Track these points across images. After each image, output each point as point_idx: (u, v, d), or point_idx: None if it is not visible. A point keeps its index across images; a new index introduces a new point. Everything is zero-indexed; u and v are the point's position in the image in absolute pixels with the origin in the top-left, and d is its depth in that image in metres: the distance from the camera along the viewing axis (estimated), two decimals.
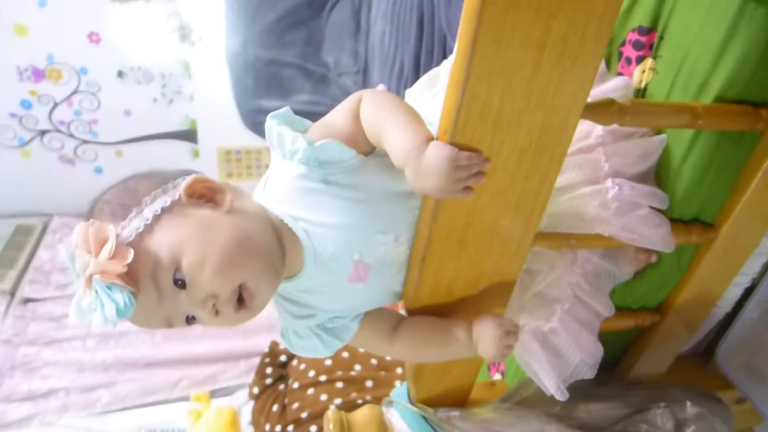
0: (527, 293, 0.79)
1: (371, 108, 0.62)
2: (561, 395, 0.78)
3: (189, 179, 0.61)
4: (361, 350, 1.74)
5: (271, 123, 0.62)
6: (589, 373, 0.80)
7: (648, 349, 0.95)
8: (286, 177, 0.62)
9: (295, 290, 0.67)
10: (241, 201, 0.63)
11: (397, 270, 0.68)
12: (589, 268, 0.78)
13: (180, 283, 0.58)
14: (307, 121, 0.65)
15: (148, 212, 0.59)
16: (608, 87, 0.78)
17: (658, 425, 0.83)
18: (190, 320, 0.61)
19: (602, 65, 0.81)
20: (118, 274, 0.54)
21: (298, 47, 2.31)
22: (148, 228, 0.58)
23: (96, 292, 0.54)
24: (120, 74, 2.67)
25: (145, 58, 2.66)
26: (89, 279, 0.54)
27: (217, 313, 0.59)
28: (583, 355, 0.80)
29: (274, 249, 0.61)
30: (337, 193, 0.62)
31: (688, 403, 0.86)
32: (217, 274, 0.57)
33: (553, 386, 0.79)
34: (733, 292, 0.94)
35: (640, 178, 0.74)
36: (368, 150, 0.64)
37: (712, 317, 0.97)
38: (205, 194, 0.62)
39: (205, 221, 0.59)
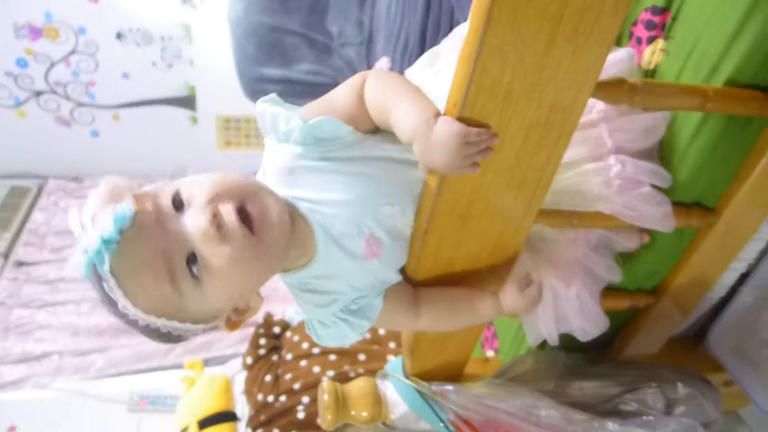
0: (538, 257, 0.79)
1: (376, 87, 0.61)
2: (553, 342, 0.83)
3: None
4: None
5: (262, 106, 0.61)
6: (583, 338, 0.84)
7: (641, 330, 0.96)
8: (283, 160, 0.61)
9: (312, 278, 0.65)
10: None
11: (407, 243, 0.68)
12: (593, 240, 0.79)
13: (178, 203, 0.55)
14: (296, 107, 0.64)
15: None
16: (611, 59, 0.76)
17: (649, 404, 0.84)
18: (191, 261, 0.54)
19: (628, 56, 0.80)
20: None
21: (302, 15, 2.27)
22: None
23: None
24: (119, 35, 2.63)
25: (145, 19, 2.61)
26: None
27: (221, 231, 0.53)
28: (587, 323, 0.83)
29: (282, 201, 0.59)
30: (338, 169, 0.61)
31: (679, 384, 0.87)
32: (215, 185, 0.55)
33: (549, 337, 0.83)
34: (729, 277, 0.94)
35: (643, 155, 0.73)
36: (367, 130, 0.63)
37: (706, 301, 0.98)
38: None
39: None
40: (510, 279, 0.72)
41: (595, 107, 0.73)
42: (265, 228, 0.55)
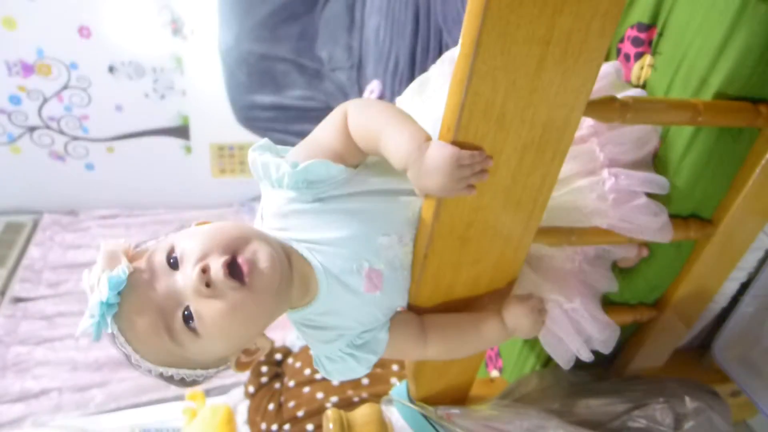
0: (536, 274, 0.79)
1: (360, 117, 0.61)
2: (567, 365, 0.81)
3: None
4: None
5: (252, 155, 0.62)
6: (606, 348, 0.81)
7: (646, 344, 0.95)
8: (278, 204, 0.62)
9: (316, 315, 0.66)
10: None
11: (408, 271, 0.68)
12: (590, 253, 0.79)
13: (173, 262, 0.56)
14: (288, 148, 0.65)
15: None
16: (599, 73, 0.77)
17: (657, 420, 0.83)
18: (187, 316, 0.55)
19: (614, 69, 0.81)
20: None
21: (291, 42, 2.30)
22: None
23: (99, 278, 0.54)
24: (111, 69, 2.65)
25: (137, 52, 2.63)
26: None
27: (210, 287, 0.54)
28: (602, 333, 0.81)
29: (276, 245, 0.60)
30: (331, 208, 0.61)
31: (687, 398, 0.86)
32: (206, 239, 0.56)
33: (576, 351, 0.80)
34: (730, 287, 0.94)
35: (636, 165, 0.73)
36: (356, 163, 0.64)
37: (708, 312, 0.98)
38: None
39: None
40: (510, 298, 0.73)
41: (585, 122, 0.73)
42: (255, 277, 0.56)
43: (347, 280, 0.63)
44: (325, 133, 0.62)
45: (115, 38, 2.59)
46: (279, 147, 0.64)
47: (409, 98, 0.81)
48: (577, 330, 0.81)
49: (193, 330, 0.56)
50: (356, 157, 0.63)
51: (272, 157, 0.61)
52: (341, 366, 0.68)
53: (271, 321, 0.61)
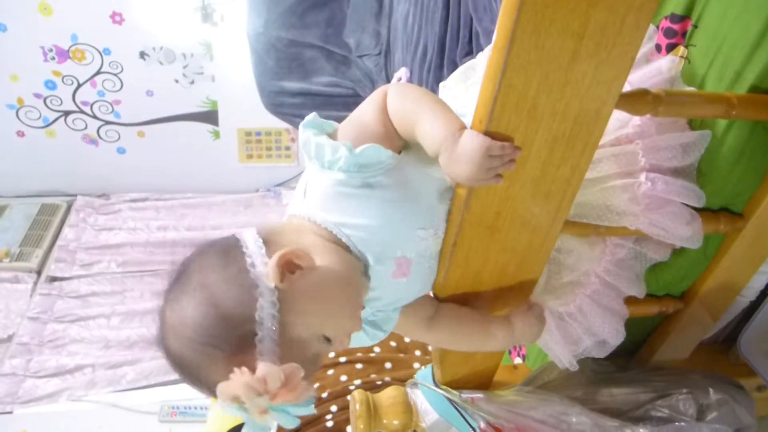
0: (553, 280, 0.80)
1: (399, 101, 0.62)
2: (572, 367, 0.83)
3: (274, 271, 0.56)
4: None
5: (306, 134, 0.61)
6: (600, 353, 0.84)
7: (671, 335, 0.96)
8: (325, 185, 0.62)
9: None
10: (313, 250, 0.61)
11: (436, 260, 0.70)
12: (620, 254, 0.79)
13: (328, 340, 0.60)
14: (333, 123, 0.65)
15: (268, 325, 0.54)
16: (653, 68, 0.76)
17: (680, 410, 0.84)
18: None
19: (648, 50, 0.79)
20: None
21: (319, 28, 2.31)
22: (279, 338, 0.55)
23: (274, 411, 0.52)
24: (142, 55, 2.70)
25: (168, 38, 2.67)
26: (266, 410, 0.52)
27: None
28: (598, 337, 0.83)
29: (357, 264, 0.63)
30: (377, 195, 0.62)
31: (711, 390, 0.86)
32: (350, 317, 0.61)
33: (566, 360, 0.83)
34: (758, 281, 0.94)
35: (678, 173, 0.73)
36: (401, 146, 0.65)
37: (735, 305, 0.98)
38: (289, 268, 0.58)
39: (312, 291, 0.58)
40: (528, 309, 0.75)
41: (631, 122, 0.72)
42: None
43: (378, 266, 0.64)
44: (369, 114, 0.63)
45: (147, 24, 2.63)
46: (324, 121, 0.64)
47: (454, 83, 0.82)
48: (567, 338, 0.82)
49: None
50: (397, 141, 0.63)
51: (328, 140, 0.60)
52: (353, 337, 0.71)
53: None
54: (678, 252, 0.85)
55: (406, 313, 0.72)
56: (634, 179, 0.70)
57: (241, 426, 1.79)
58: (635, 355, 1.03)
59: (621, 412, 0.87)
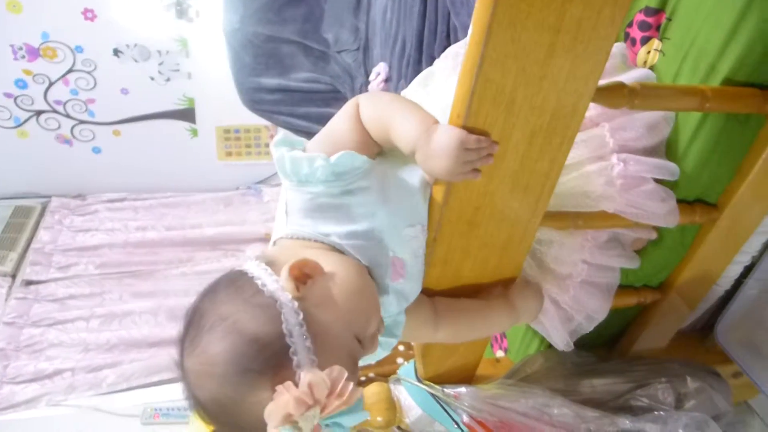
0: (541, 263, 0.81)
1: (371, 108, 0.62)
2: (568, 348, 0.86)
3: (289, 283, 0.55)
4: None
5: (280, 151, 0.60)
6: (589, 327, 0.85)
7: (649, 325, 0.97)
8: (305, 200, 0.61)
9: None
10: (317, 259, 0.60)
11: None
12: (602, 237, 0.80)
13: (358, 341, 0.59)
14: (303, 140, 0.64)
15: (298, 336, 0.53)
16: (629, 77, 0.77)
17: (659, 400, 0.85)
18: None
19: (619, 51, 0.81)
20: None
21: (297, 23, 2.28)
22: (312, 346, 0.53)
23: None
24: (116, 52, 2.64)
25: (142, 35, 2.62)
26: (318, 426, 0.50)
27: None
28: (589, 315, 0.85)
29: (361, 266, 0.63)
30: (359, 200, 0.61)
31: (689, 378, 0.88)
32: (372, 314, 0.61)
33: (563, 341, 0.85)
34: (733, 270, 0.96)
35: (648, 152, 0.74)
36: (374, 154, 0.64)
37: (711, 294, 0.99)
38: (300, 279, 0.57)
39: (329, 294, 0.57)
40: (517, 281, 0.77)
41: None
42: None
43: (376, 269, 0.64)
44: (340, 125, 0.63)
45: (120, 21, 2.58)
46: (295, 139, 0.63)
47: (414, 90, 0.82)
48: (562, 318, 0.83)
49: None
50: (373, 148, 0.63)
51: (302, 154, 0.60)
52: None
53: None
54: (655, 243, 0.86)
55: (410, 315, 0.71)
56: (607, 162, 0.71)
57: None
58: (615, 346, 1.04)
59: (602, 403, 0.88)
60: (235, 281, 0.57)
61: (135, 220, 2.81)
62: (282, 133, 0.70)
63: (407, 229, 0.65)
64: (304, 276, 0.56)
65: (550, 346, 1.01)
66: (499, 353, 1.22)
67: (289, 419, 0.47)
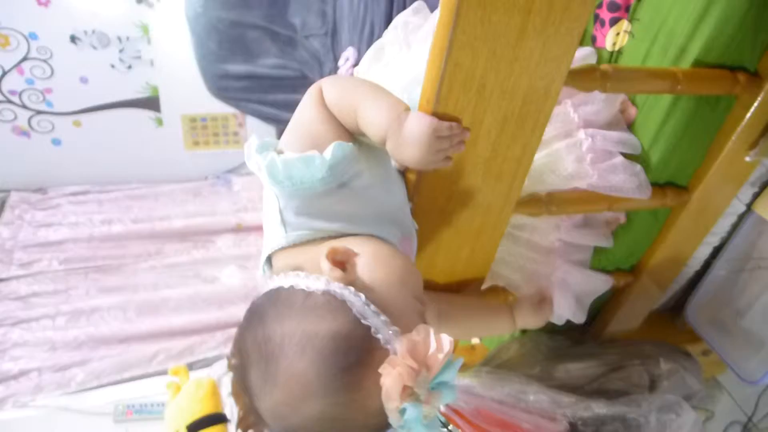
0: (518, 246, 0.81)
1: (336, 93, 0.58)
2: (580, 320, 0.88)
3: (334, 272, 0.53)
4: None
5: (269, 156, 0.55)
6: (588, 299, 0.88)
7: (622, 308, 0.98)
8: (300, 204, 0.57)
9: None
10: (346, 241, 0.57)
11: None
12: (576, 217, 0.81)
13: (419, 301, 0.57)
14: (276, 140, 0.60)
15: (371, 314, 0.51)
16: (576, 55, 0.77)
17: (634, 382, 0.86)
18: None
19: None
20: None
21: (262, 8, 2.22)
22: (389, 319, 0.52)
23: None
24: (73, 39, 2.53)
25: (100, 21, 2.52)
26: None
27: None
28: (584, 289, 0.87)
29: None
30: (357, 186, 0.58)
31: (661, 360, 0.89)
32: (415, 273, 0.59)
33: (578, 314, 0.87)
34: (703, 251, 0.97)
35: (610, 125, 0.75)
36: (350, 138, 0.60)
37: (682, 275, 1.01)
38: (340, 266, 0.55)
39: (372, 268, 0.55)
40: (521, 300, 0.79)
41: None
42: None
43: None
44: (310, 114, 0.59)
45: (77, 6, 2.47)
46: (270, 141, 0.58)
47: (367, 67, 0.79)
48: (564, 294, 0.83)
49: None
50: (348, 134, 0.60)
51: (293, 154, 0.55)
52: None
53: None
54: (627, 227, 0.86)
55: None
56: (575, 138, 0.71)
57: (202, 420, 1.75)
58: (589, 329, 1.05)
59: (577, 387, 0.88)
60: (278, 299, 0.53)
61: (100, 213, 2.72)
62: (254, 137, 0.65)
63: (407, 206, 0.64)
64: (341, 264, 0.54)
65: (524, 331, 1.01)
66: (475, 340, 1.22)
67: (407, 393, 0.46)
